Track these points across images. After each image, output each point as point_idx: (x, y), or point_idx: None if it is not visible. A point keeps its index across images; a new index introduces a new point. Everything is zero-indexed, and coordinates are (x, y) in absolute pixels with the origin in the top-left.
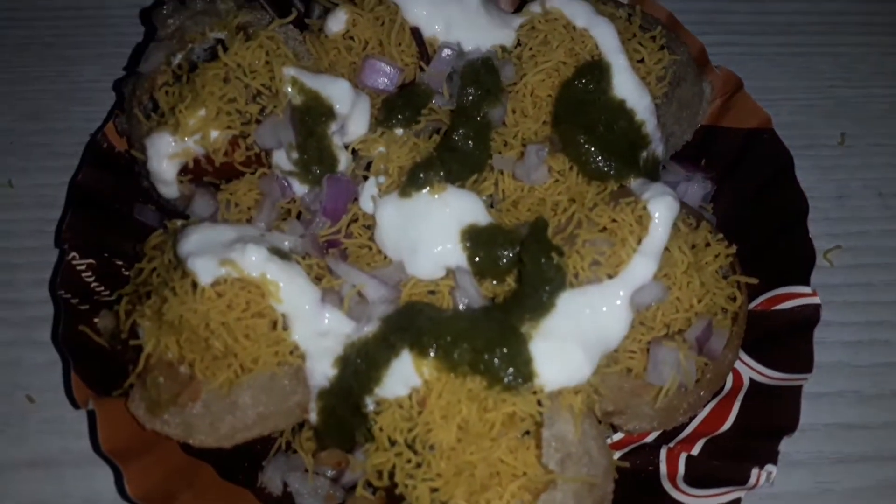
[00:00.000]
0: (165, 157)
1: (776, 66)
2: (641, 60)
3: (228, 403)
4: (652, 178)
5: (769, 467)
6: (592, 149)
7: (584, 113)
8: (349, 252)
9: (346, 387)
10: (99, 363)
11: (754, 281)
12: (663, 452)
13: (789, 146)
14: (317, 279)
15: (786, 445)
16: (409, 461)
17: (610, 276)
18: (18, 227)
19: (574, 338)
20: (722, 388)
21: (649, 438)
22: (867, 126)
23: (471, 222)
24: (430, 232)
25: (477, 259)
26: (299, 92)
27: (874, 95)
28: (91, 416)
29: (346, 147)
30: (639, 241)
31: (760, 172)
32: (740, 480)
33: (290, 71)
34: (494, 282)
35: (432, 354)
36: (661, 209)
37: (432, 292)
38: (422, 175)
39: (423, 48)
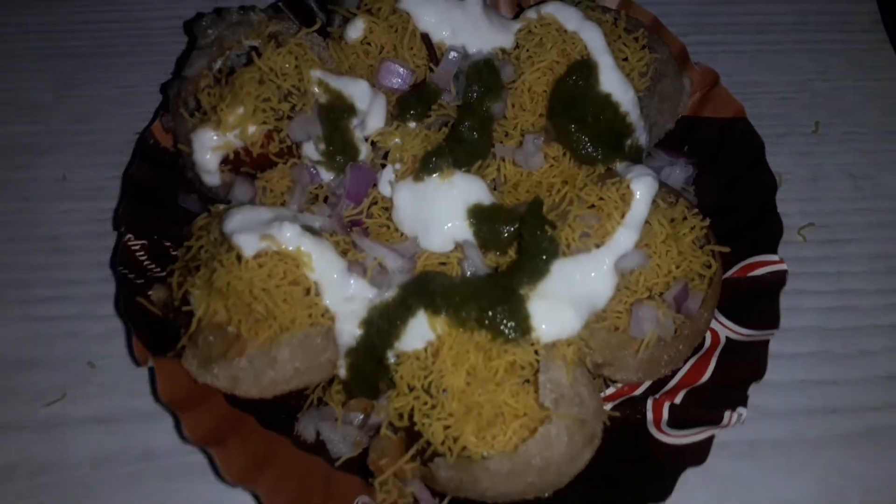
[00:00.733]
0: (209, 149)
1: (756, 63)
2: (626, 59)
3: (269, 359)
4: (635, 162)
5: (740, 409)
6: (583, 137)
7: (575, 106)
8: (370, 230)
9: (370, 344)
10: (154, 329)
11: (726, 249)
12: (650, 403)
13: (768, 135)
14: (343, 253)
15: (764, 399)
16: (425, 404)
17: (597, 246)
18: (73, 216)
19: (566, 298)
20: (702, 346)
21: (638, 392)
22: (840, 116)
23: (476, 202)
24: (440, 211)
25: (482, 234)
26: (325, 91)
27: (846, 88)
28: (151, 373)
29: (366, 139)
30: (622, 216)
31: (736, 157)
32: (715, 421)
33: (316, 73)
34: (497, 253)
35: (444, 313)
36: (642, 187)
37: (443, 263)
38: (432, 162)
39: (433, 51)
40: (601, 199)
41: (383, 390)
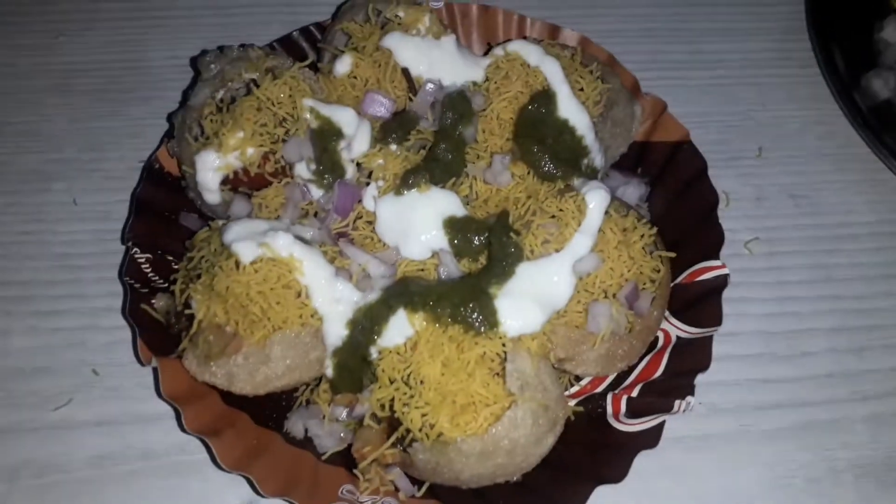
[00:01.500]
0: (211, 170)
1: (705, 95)
2: (581, 88)
3: (263, 356)
4: (591, 179)
5: (689, 398)
6: (544, 157)
7: (537, 130)
8: (355, 242)
9: (356, 342)
10: (157, 334)
11: (672, 255)
12: (609, 397)
13: (716, 159)
14: (331, 260)
15: (714, 397)
16: (404, 394)
17: (557, 251)
18: (82, 236)
19: (530, 297)
20: (656, 345)
21: (599, 389)
22: (781, 142)
23: (450, 215)
24: (418, 223)
25: (455, 242)
26: (316, 118)
27: (786, 117)
28: (154, 374)
29: (352, 160)
30: (579, 224)
31: (682, 176)
32: (666, 409)
33: (308, 102)
34: (470, 260)
35: (422, 311)
36: (596, 199)
37: (421, 269)
38: (411, 179)
39: (412, 84)
40: (560, 209)
41: (367, 384)
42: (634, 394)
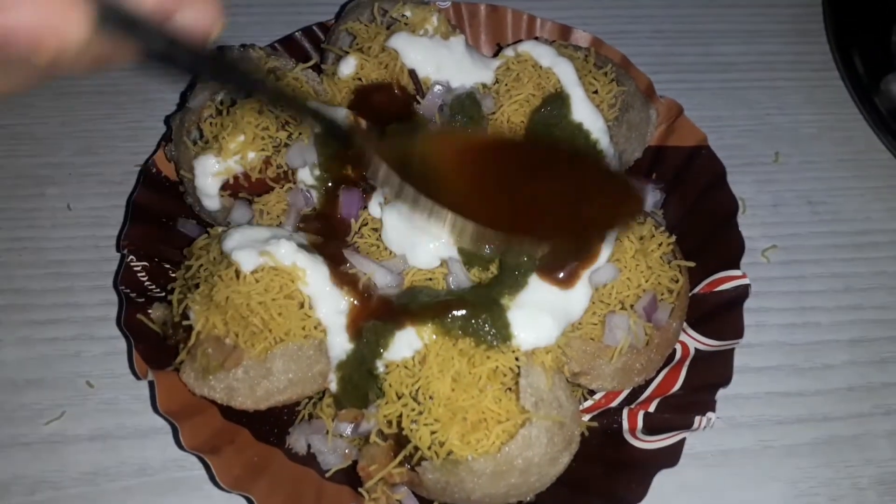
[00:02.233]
0: (210, 174)
1: (720, 99)
2: (596, 91)
3: (264, 370)
4: None
5: (709, 414)
6: None
7: (549, 134)
8: (361, 249)
9: (360, 355)
10: (153, 345)
11: (691, 264)
12: (625, 412)
13: (732, 164)
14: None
15: (734, 411)
16: (413, 410)
17: None
18: (76, 242)
19: (544, 309)
20: (673, 358)
21: (614, 403)
22: (798, 147)
23: None
24: (426, 230)
25: (465, 251)
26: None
27: (804, 121)
28: (150, 388)
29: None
30: None
31: (700, 181)
32: (686, 425)
33: (312, 104)
34: (480, 269)
35: (430, 323)
36: None
37: (429, 279)
38: None
39: (419, 86)
40: None
41: (373, 399)
42: (652, 409)
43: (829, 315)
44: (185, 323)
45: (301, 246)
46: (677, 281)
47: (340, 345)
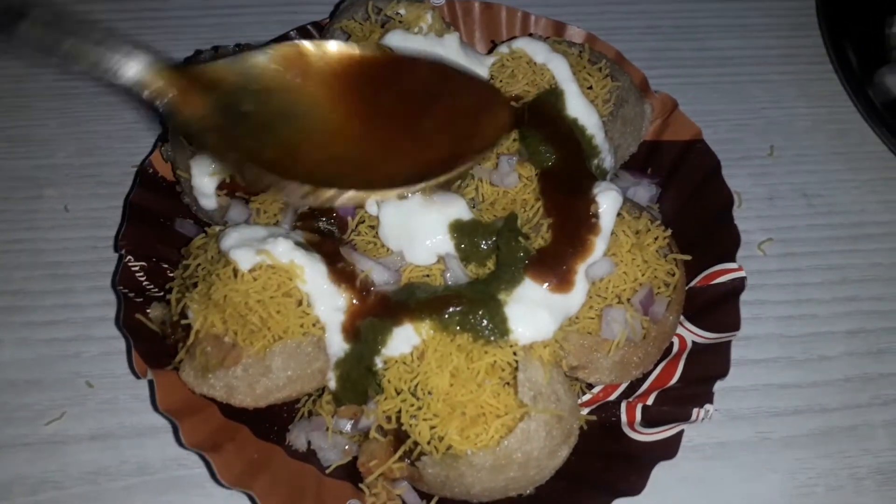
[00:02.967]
0: (207, 174)
1: (715, 93)
2: (590, 87)
3: (263, 368)
4: (600, 180)
5: (707, 406)
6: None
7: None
8: (358, 247)
9: (359, 352)
10: (152, 344)
11: (688, 258)
12: (623, 406)
13: (727, 158)
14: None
15: (731, 403)
16: (411, 405)
17: None
18: (74, 244)
19: (541, 303)
20: (671, 351)
21: (612, 397)
22: (793, 140)
23: (456, 218)
24: (423, 227)
25: (462, 247)
26: None
27: (798, 115)
28: (150, 387)
29: None
30: None
31: (695, 175)
32: (684, 418)
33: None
34: (477, 265)
35: (428, 319)
36: (608, 201)
37: (427, 275)
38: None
39: None
40: None
41: (371, 396)
42: (650, 402)
43: (825, 307)
44: (183, 322)
45: (298, 244)
46: (674, 274)
47: (339, 342)
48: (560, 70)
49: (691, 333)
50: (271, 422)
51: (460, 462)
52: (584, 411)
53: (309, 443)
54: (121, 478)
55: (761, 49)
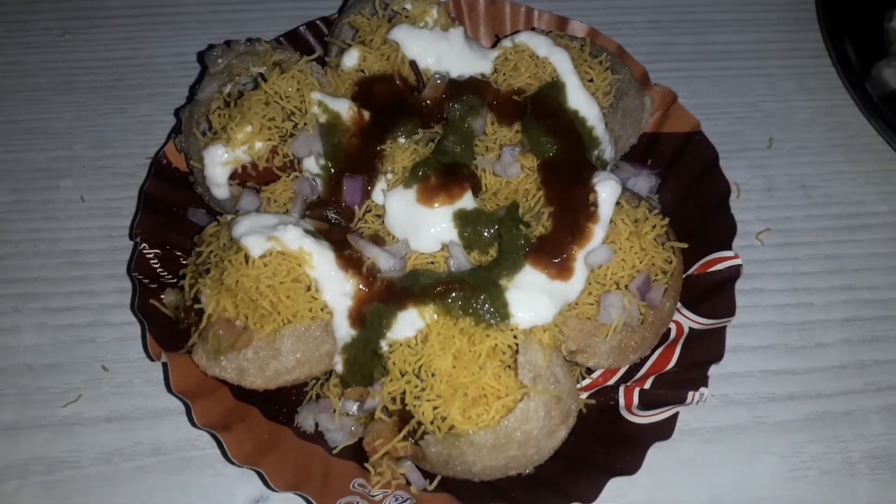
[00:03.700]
0: (219, 164)
1: (715, 86)
2: (591, 79)
3: (273, 350)
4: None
5: (702, 389)
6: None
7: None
8: (364, 236)
9: (365, 336)
10: (166, 329)
11: (684, 245)
12: (622, 390)
13: (727, 150)
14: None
15: (728, 388)
16: (416, 387)
17: None
18: (91, 233)
19: (541, 288)
20: (668, 336)
21: (611, 382)
22: (791, 132)
23: (460, 207)
24: (428, 216)
25: (465, 235)
26: (324, 112)
27: (797, 108)
28: (164, 369)
29: None
30: None
31: (694, 166)
32: (680, 400)
33: (317, 95)
34: (479, 252)
35: (432, 303)
36: (606, 189)
37: (431, 262)
38: (422, 171)
39: (420, 76)
40: None
41: (377, 378)
42: (647, 386)
43: (822, 295)
44: (196, 306)
45: (307, 231)
46: (671, 262)
47: (346, 326)
48: (562, 63)
49: (688, 320)
50: (280, 404)
51: (462, 441)
52: (584, 395)
53: (317, 424)
54: (135, 458)
55: (761, 43)
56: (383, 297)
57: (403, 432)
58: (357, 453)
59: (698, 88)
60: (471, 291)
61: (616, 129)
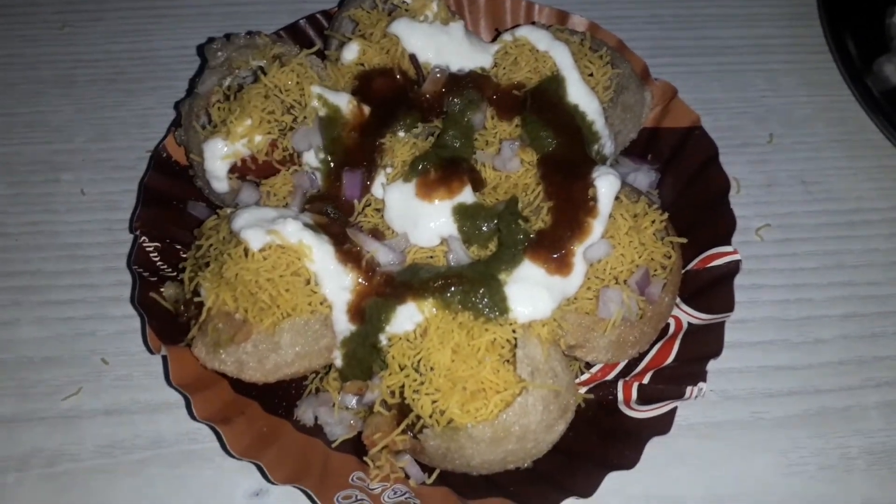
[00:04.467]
0: (219, 157)
1: (715, 82)
2: (591, 74)
3: (272, 343)
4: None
5: (701, 384)
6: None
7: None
8: (364, 230)
9: (364, 330)
10: (166, 322)
11: (683, 240)
12: (620, 385)
13: (727, 145)
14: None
15: (727, 384)
16: (414, 381)
17: None
18: (90, 226)
19: (540, 283)
20: (667, 331)
21: (610, 377)
22: (792, 128)
23: (460, 202)
24: (427, 210)
25: (465, 229)
26: (324, 105)
27: (797, 103)
28: (163, 363)
29: None
30: None
31: (692, 159)
32: (678, 395)
33: (316, 89)
34: (479, 247)
35: (431, 297)
36: (605, 184)
37: (430, 257)
38: (421, 165)
39: (420, 70)
40: None
41: (376, 371)
42: (646, 381)
43: (821, 291)
44: (196, 300)
45: (307, 225)
46: (670, 257)
47: (345, 320)
48: (562, 58)
49: (687, 315)
50: (280, 397)
51: (460, 434)
52: (583, 390)
53: (316, 418)
54: (135, 451)
55: (762, 38)
56: (382, 292)
57: (402, 426)
58: (356, 447)
59: (699, 83)
60: (470, 286)
61: (616, 124)
